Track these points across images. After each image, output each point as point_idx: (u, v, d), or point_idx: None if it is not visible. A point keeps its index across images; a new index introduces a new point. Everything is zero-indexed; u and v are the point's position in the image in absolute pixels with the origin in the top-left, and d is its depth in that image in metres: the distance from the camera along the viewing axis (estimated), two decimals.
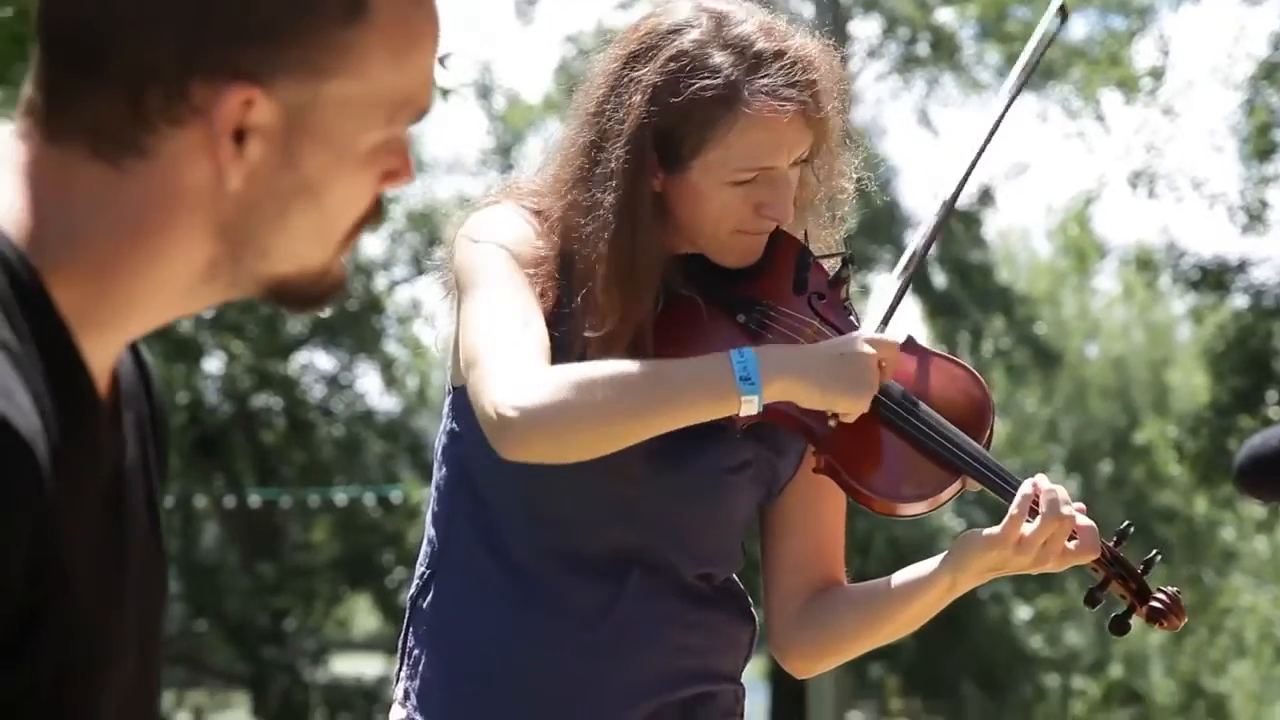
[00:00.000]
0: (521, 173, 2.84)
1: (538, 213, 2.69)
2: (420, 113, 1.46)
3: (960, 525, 19.96)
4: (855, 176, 2.76)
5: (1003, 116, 2.81)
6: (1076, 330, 28.27)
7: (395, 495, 19.41)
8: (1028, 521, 2.56)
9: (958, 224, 20.65)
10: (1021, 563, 2.59)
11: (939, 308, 21.27)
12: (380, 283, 20.09)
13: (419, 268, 20.26)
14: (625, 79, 2.63)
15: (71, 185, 1.38)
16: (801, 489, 2.76)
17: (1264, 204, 17.26)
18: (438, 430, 2.81)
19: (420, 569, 2.78)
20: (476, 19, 42.33)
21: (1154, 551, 2.69)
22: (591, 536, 2.67)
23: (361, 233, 1.48)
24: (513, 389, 2.49)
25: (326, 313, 1.52)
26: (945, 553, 2.64)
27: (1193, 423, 17.58)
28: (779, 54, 2.62)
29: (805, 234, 2.75)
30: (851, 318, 2.70)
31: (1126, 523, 2.72)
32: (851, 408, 2.56)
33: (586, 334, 2.61)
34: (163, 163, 1.38)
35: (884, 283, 2.76)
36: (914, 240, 2.81)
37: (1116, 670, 24.60)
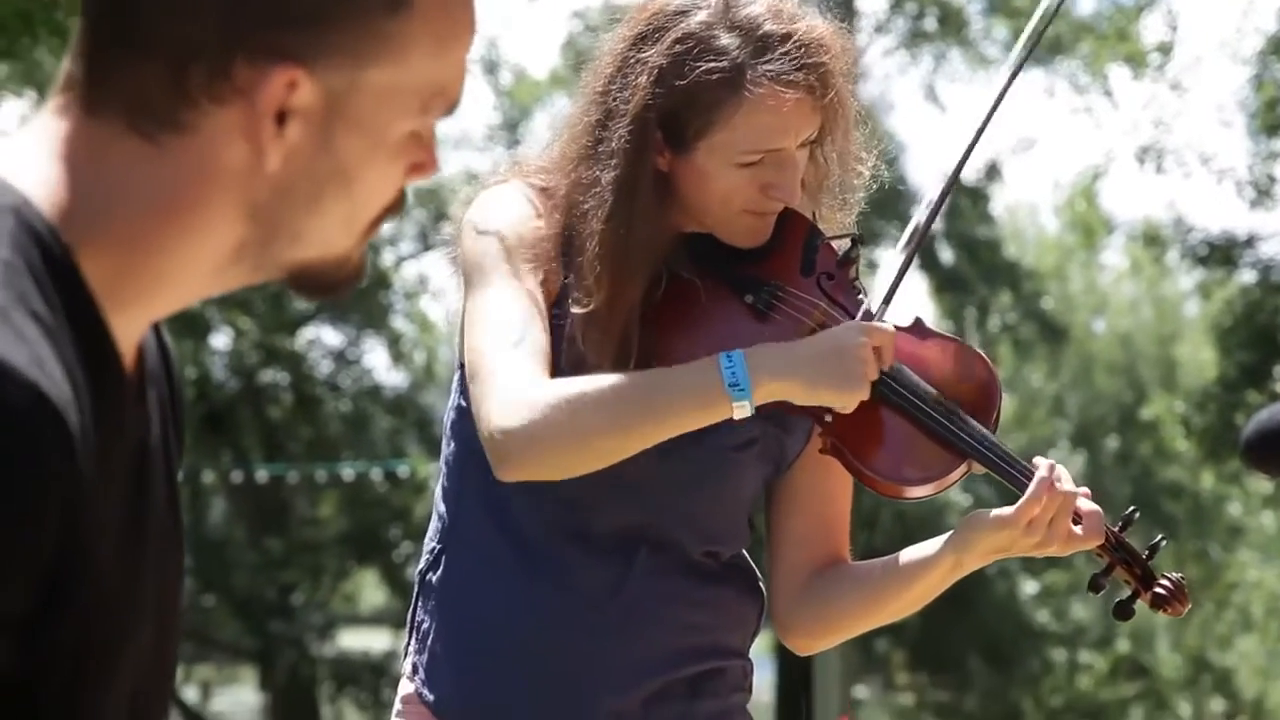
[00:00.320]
0: (529, 149, 2.85)
1: (544, 189, 2.70)
2: (451, 105, 1.47)
3: (967, 501, 19.96)
4: (870, 162, 2.76)
5: (1006, 89, 2.80)
6: (1083, 305, 28.24)
7: (402, 470, 19.42)
8: (1044, 502, 2.57)
9: (965, 199, 20.61)
10: (1027, 545, 2.59)
11: (946, 283, 21.25)
12: (387, 258, 20.08)
13: (426, 243, 20.25)
14: (632, 60, 2.63)
15: (106, 159, 1.38)
16: (808, 466, 2.76)
17: (1272, 179, 17.22)
18: (445, 406, 2.82)
19: (430, 544, 2.79)
20: None
21: (1159, 537, 2.69)
22: (598, 515, 2.67)
23: (384, 223, 1.49)
24: (504, 413, 2.52)
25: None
26: (950, 533, 2.65)
27: (1200, 398, 17.57)
28: (787, 36, 2.61)
29: (814, 215, 2.75)
30: (860, 297, 2.70)
31: (1132, 508, 2.72)
32: (845, 403, 2.56)
33: (573, 310, 2.62)
34: (200, 140, 1.38)
35: (889, 258, 2.76)
36: (917, 215, 2.81)
37: (1123, 645, 24.61)
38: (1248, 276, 17.49)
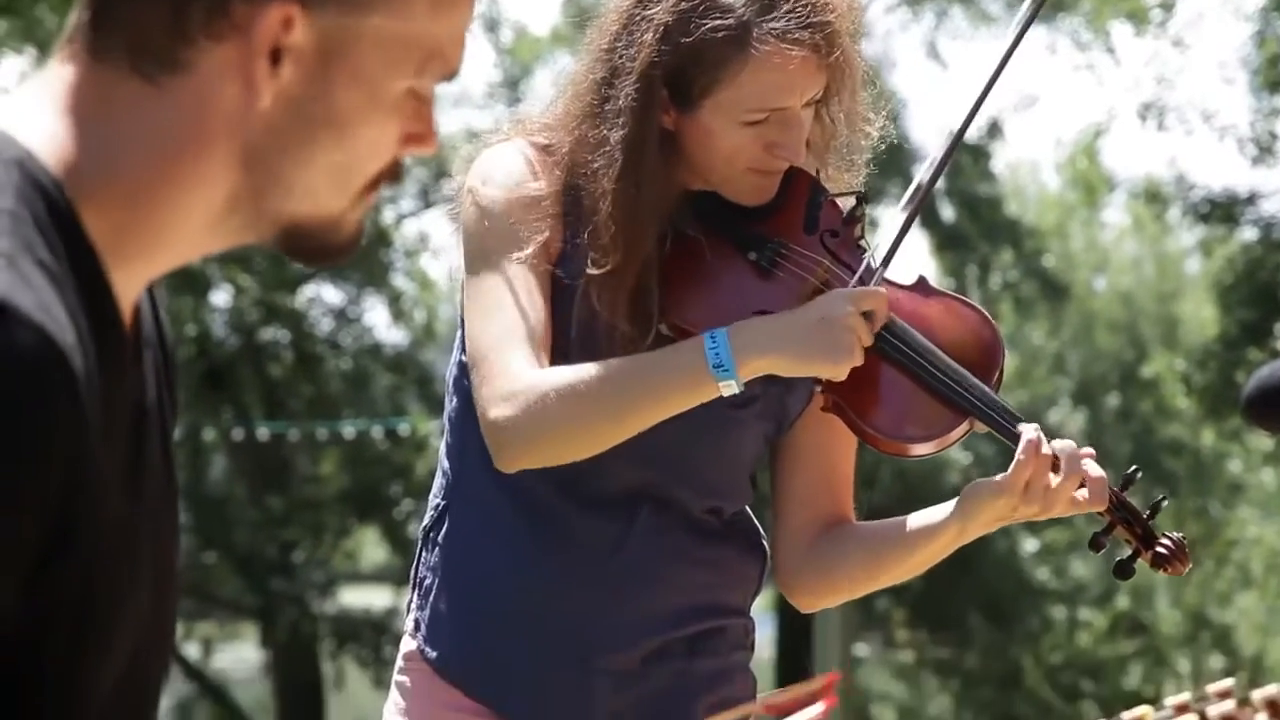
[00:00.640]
0: (531, 107, 2.85)
1: (545, 147, 2.70)
2: (449, 72, 1.48)
3: (968, 459, 19.98)
4: (877, 123, 2.75)
5: (1013, 49, 2.79)
6: (1085, 263, 28.20)
7: (403, 428, 19.42)
8: (1034, 467, 2.57)
9: (966, 157, 20.56)
10: (1029, 512, 2.59)
11: (947, 241, 21.22)
12: (388, 216, 20.05)
13: (427, 201, 20.22)
14: (638, 17, 2.63)
15: (110, 105, 1.40)
16: (811, 424, 2.77)
17: (1274, 136, 17.18)
18: (445, 363, 2.83)
19: (434, 500, 2.80)
20: None
21: (1160, 496, 2.69)
22: (601, 473, 2.68)
23: (378, 189, 1.49)
24: (501, 405, 2.56)
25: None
26: (954, 501, 2.65)
27: (1201, 355, 17.56)
28: None
29: (819, 173, 2.75)
30: (865, 256, 2.70)
31: (1134, 467, 2.72)
32: (832, 374, 2.56)
33: (589, 271, 2.62)
34: (198, 79, 1.40)
35: (891, 217, 2.76)
36: (920, 174, 2.80)
37: (1123, 602, 24.64)
38: (1249, 234, 17.47)
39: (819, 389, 2.68)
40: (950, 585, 20.72)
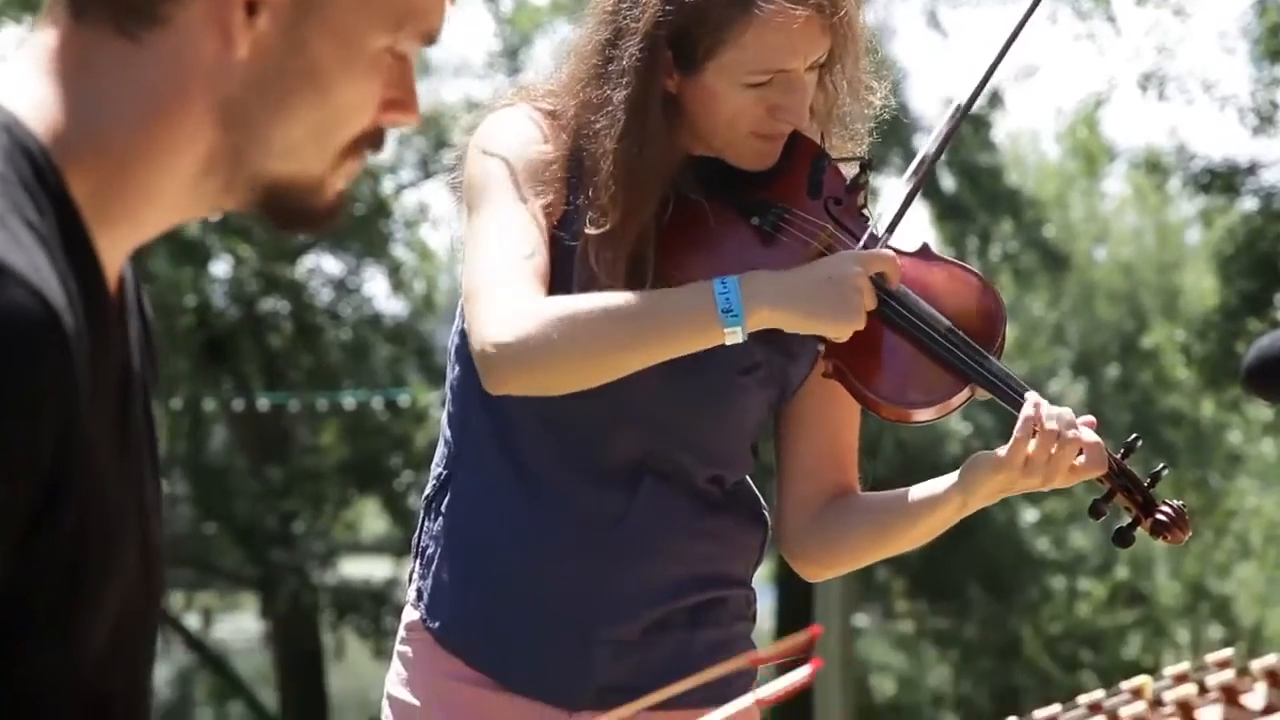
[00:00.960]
0: (533, 76, 2.85)
1: (551, 113, 2.69)
2: (427, 32, 1.48)
3: (968, 429, 19.98)
4: (879, 92, 2.75)
5: (1024, 24, 2.79)
6: (1085, 234, 28.16)
7: (403, 399, 19.41)
8: (1033, 441, 2.57)
9: (966, 127, 20.49)
10: (1030, 483, 2.59)
11: (947, 211, 21.20)
12: (387, 186, 20.02)
13: (426, 171, 20.19)
14: None
15: (92, 65, 1.41)
16: (815, 392, 2.76)
17: (1275, 105, 17.14)
18: (446, 334, 2.82)
19: (436, 469, 2.79)
20: None
21: (1160, 465, 2.69)
22: (601, 441, 2.68)
23: (359, 154, 1.50)
24: (497, 326, 2.52)
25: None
26: (956, 473, 2.65)
27: (1201, 326, 17.54)
28: None
29: (822, 139, 2.75)
30: (869, 224, 2.70)
31: (1134, 435, 2.72)
32: (837, 333, 2.56)
33: (588, 230, 2.62)
34: (177, 33, 1.41)
35: (894, 187, 2.75)
36: (925, 146, 2.80)
37: (1122, 572, 24.66)
38: (1249, 204, 17.44)
39: (821, 353, 2.68)
40: (950, 556, 20.74)
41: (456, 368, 2.76)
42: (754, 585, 2.86)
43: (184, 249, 17.63)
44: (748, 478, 2.81)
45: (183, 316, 17.86)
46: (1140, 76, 17.86)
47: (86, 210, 1.39)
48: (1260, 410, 21.67)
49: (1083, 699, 4.03)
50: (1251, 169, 17.38)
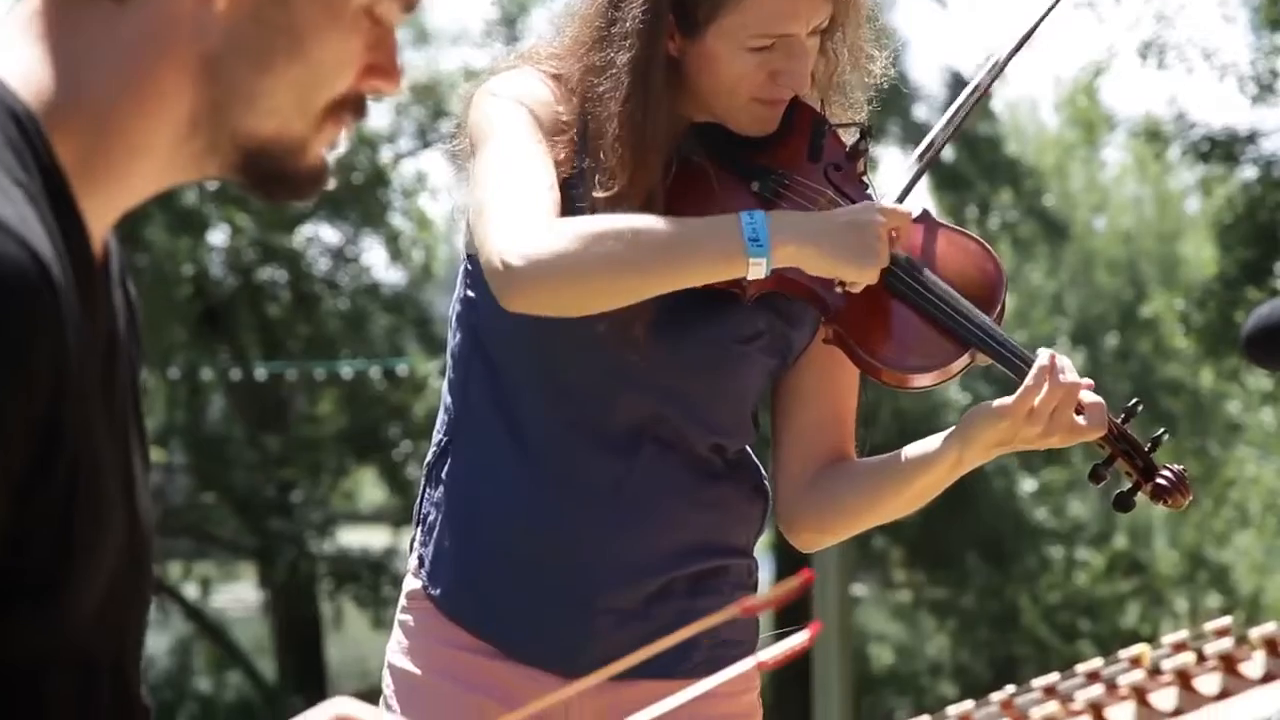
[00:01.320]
0: (530, 44, 2.83)
1: (557, 77, 2.68)
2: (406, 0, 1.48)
3: (966, 399, 19.98)
4: (880, 60, 2.74)
5: (1049, 12, 2.80)
6: (1084, 203, 28.14)
7: (401, 368, 19.41)
8: (1043, 391, 2.56)
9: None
10: (1029, 435, 2.58)
11: (946, 181, 21.18)
12: (385, 155, 19.99)
13: (424, 140, 20.16)
14: None
15: (76, 27, 1.41)
16: (815, 361, 2.76)
17: (1274, 74, 17.12)
18: (445, 303, 2.81)
19: (437, 436, 2.78)
20: None
21: (1161, 430, 2.68)
22: (602, 408, 2.67)
23: (340, 118, 1.49)
24: (517, 237, 2.48)
25: (327, 188, 1.51)
26: (952, 428, 2.64)
27: (1200, 295, 17.53)
28: None
29: (822, 106, 2.74)
30: (869, 192, 2.69)
31: (1135, 400, 2.71)
32: (859, 277, 2.55)
33: (595, 194, 2.60)
34: None
35: (896, 160, 2.76)
36: (938, 125, 2.80)
37: (1120, 542, 24.69)
38: (1249, 173, 17.42)
39: (822, 320, 2.68)
40: (948, 525, 20.76)
41: (458, 334, 2.75)
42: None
43: (181, 218, 17.61)
44: (749, 448, 2.80)
45: (180, 286, 17.84)
46: (1140, 45, 17.82)
47: (72, 174, 1.40)
48: (1259, 379, 21.68)
49: (1081, 668, 4.03)
50: (1251, 137, 17.36)
